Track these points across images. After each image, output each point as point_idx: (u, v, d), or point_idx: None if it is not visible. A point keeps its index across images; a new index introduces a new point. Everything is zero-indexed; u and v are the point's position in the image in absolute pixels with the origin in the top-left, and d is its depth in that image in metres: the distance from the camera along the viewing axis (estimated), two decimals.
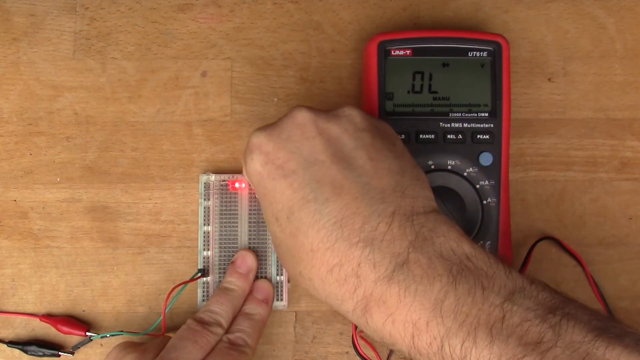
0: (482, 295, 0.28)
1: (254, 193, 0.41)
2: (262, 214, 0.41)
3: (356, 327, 0.39)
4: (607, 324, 0.27)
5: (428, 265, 0.29)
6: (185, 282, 0.39)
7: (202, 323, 0.36)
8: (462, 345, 0.27)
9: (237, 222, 0.41)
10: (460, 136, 0.39)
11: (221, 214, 0.41)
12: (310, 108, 0.33)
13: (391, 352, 0.40)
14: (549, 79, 0.44)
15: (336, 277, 0.30)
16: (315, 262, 0.31)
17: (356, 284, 0.30)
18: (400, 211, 0.30)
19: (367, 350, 0.40)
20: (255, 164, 0.33)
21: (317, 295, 0.32)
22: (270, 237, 0.41)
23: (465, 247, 0.30)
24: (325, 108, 0.43)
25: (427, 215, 0.31)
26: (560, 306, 0.28)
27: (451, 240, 0.30)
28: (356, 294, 0.30)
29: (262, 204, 0.34)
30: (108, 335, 0.40)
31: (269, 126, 0.34)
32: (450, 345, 0.28)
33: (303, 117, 0.33)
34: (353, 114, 0.33)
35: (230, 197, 0.41)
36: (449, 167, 0.39)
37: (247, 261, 0.40)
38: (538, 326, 0.27)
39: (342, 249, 0.30)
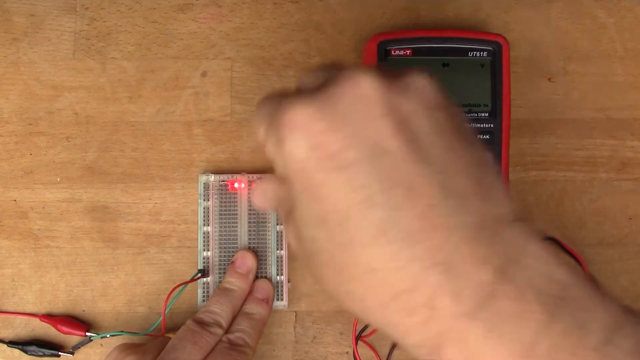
0: (580, 337, 0.23)
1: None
2: (262, 214, 0.41)
3: (356, 335, 0.39)
4: None
5: (519, 298, 0.24)
6: (185, 283, 0.39)
7: (202, 324, 0.36)
8: None
9: (236, 222, 0.41)
10: None
11: (221, 214, 0.41)
12: (378, 74, 0.25)
13: (391, 351, 0.40)
14: (549, 79, 0.44)
15: (402, 306, 0.24)
16: (373, 283, 0.25)
17: (428, 317, 0.24)
18: (485, 224, 0.24)
19: (367, 351, 0.40)
20: (300, 147, 0.25)
21: (369, 320, 0.27)
22: (271, 238, 0.41)
23: (562, 272, 0.24)
24: None
25: (513, 228, 0.25)
26: None
27: (544, 264, 0.24)
28: (427, 329, 0.24)
29: (301, 199, 0.26)
30: (108, 336, 0.40)
31: (317, 96, 0.25)
32: None
33: (370, 88, 0.25)
34: (426, 85, 0.26)
35: (230, 198, 0.41)
36: None
37: (247, 261, 0.40)
38: None
39: (414, 272, 0.24)
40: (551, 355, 0.23)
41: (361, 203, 0.24)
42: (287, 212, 0.28)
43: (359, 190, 0.24)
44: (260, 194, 0.29)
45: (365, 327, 0.39)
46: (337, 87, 0.25)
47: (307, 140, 0.25)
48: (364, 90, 0.25)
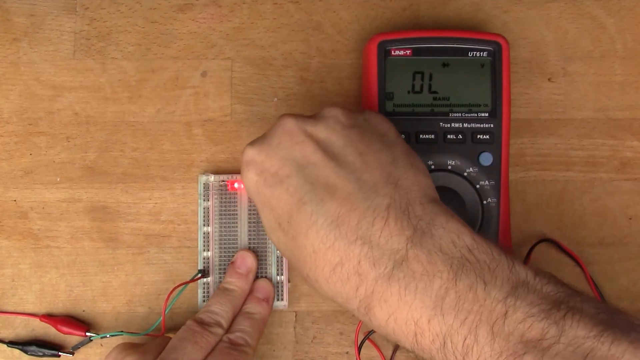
0: (484, 291, 0.28)
1: None
2: None
3: (359, 345, 0.39)
4: (613, 317, 0.27)
5: (428, 261, 0.29)
6: (186, 283, 0.39)
7: (202, 324, 0.36)
8: (463, 342, 0.27)
9: (236, 223, 0.41)
10: (460, 136, 0.39)
11: (221, 215, 0.41)
12: (296, 114, 0.34)
13: (394, 352, 0.40)
14: (549, 79, 0.44)
15: (339, 276, 0.30)
16: (318, 262, 0.31)
17: (358, 282, 0.30)
18: (395, 204, 0.30)
19: (371, 351, 0.40)
20: (251, 175, 0.34)
21: (326, 296, 0.32)
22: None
23: (466, 238, 0.30)
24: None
25: (423, 206, 0.31)
26: (565, 300, 0.27)
27: (451, 232, 0.30)
28: (359, 293, 0.30)
29: (262, 213, 0.34)
30: (108, 336, 0.40)
31: (258, 138, 0.35)
32: (452, 342, 0.28)
33: (290, 123, 0.33)
34: (338, 113, 0.34)
35: (230, 198, 0.41)
36: (449, 167, 0.39)
37: (247, 261, 0.40)
38: (542, 322, 0.26)
39: (342, 248, 0.30)
40: (458, 306, 0.28)
41: (297, 203, 0.31)
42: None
43: (294, 194, 0.32)
44: None
45: (368, 334, 0.39)
46: (270, 130, 0.34)
47: (255, 170, 0.33)
48: (288, 126, 0.33)
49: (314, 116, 0.34)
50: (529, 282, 0.28)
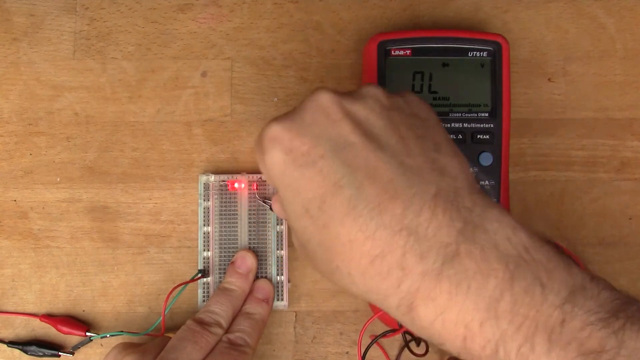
0: (541, 295, 0.25)
1: (253, 193, 0.41)
2: (262, 214, 0.41)
3: (362, 354, 0.39)
4: None
5: (482, 258, 0.26)
6: (186, 283, 0.39)
7: (202, 323, 0.36)
8: (518, 351, 0.25)
9: (236, 223, 0.41)
10: (460, 136, 0.39)
11: (221, 215, 0.41)
12: (333, 90, 0.30)
13: (399, 354, 0.40)
14: (549, 79, 0.44)
15: (378, 270, 0.27)
16: (354, 254, 0.28)
17: (401, 278, 0.27)
18: (442, 193, 0.28)
19: (371, 351, 0.40)
20: (277, 153, 0.30)
21: (356, 290, 0.29)
22: (271, 238, 0.41)
23: (522, 235, 0.27)
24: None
25: (472, 197, 0.28)
26: (623, 308, 0.25)
27: (506, 227, 0.27)
28: (401, 289, 0.27)
29: (286, 197, 0.30)
30: (108, 336, 0.40)
31: (286, 114, 0.31)
32: (505, 350, 0.26)
33: (326, 99, 0.30)
34: (378, 93, 0.31)
35: (230, 198, 0.41)
36: None
37: (247, 261, 0.40)
38: (600, 331, 0.24)
39: (384, 238, 0.27)
40: (514, 310, 0.25)
41: (332, 186, 0.28)
42: (285, 215, 0.32)
43: (328, 176, 0.28)
44: (274, 205, 0.35)
45: (375, 338, 0.39)
46: (303, 105, 0.30)
47: (281, 148, 0.29)
48: (324, 102, 0.30)
49: (351, 93, 0.31)
50: (585, 287, 0.26)
